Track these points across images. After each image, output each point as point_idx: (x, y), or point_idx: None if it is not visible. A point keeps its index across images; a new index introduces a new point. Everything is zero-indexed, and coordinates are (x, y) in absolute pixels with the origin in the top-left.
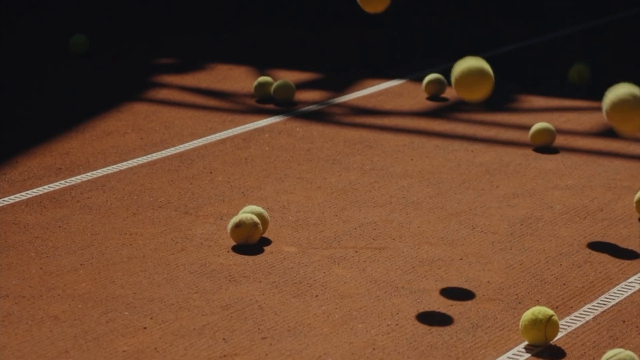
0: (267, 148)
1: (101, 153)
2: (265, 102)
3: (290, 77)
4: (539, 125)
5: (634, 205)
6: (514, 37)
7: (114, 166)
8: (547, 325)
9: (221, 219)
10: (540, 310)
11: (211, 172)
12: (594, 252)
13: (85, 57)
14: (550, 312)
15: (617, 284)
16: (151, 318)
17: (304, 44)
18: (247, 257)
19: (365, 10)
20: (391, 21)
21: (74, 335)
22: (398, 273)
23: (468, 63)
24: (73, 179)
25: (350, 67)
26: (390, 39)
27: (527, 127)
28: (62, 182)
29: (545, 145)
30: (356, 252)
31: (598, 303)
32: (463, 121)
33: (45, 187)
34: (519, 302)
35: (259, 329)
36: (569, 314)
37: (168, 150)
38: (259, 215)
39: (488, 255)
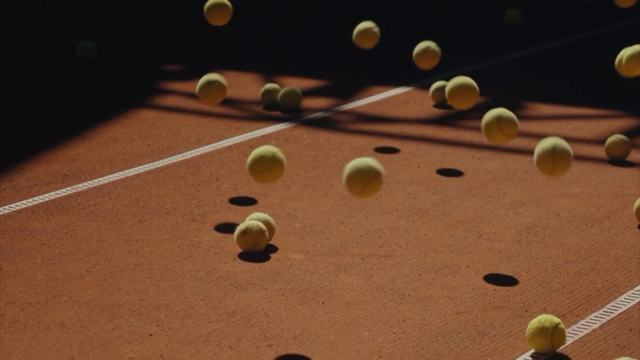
0: None
1: (108, 160)
2: (272, 109)
3: (297, 84)
4: (614, 137)
5: (634, 212)
6: (521, 44)
7: (121, 173)
8: (554, 333)
9: (227, 226)
10: (547, 318)
11: (218, 179)
12: (600, 260)
13: (92, 63)
14: (557, 320)
15: (624, 292)
16: (157, 325)
17: (310, 51)
18: (253, 264)
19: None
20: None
21: (79, 342)
22: (404, 280)
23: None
24: (79, 185)
25: (357, 74)
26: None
27: (533, 135)
28: (69, 188)
29: (620, 158)
30: (362, 259)
31: (605, 311)
32: (470, 129)
33: (52, 193)
34: (526, 310)
35: (265, 336)
36: (575, 322)
37: (174, 157)
38: (266, 223)
39: (494, 263)
